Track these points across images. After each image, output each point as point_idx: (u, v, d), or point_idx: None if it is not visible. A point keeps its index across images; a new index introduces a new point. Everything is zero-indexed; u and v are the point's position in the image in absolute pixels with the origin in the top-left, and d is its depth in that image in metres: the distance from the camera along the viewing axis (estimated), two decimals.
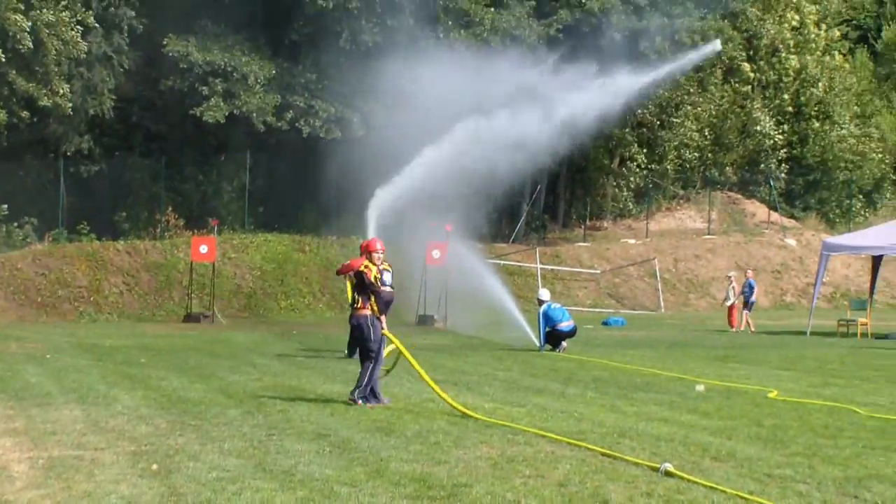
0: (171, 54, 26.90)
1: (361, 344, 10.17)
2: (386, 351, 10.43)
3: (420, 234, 23.13)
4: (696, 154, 38.91)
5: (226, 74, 27.25)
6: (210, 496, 6.13)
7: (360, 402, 9.85)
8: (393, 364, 10.88)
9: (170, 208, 28.80)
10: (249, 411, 9.46)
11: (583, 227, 35.80)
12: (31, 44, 23.34)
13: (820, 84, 40.49)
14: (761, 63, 39.99)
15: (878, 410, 10.12)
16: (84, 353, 15.42)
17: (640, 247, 33.74)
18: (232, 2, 28.15)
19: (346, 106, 28.27)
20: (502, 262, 29.68)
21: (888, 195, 42.94)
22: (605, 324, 25.14)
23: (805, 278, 33.11)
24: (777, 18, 37.90)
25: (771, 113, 39.75)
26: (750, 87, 40.03)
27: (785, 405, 10.49)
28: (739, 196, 39.85)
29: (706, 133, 38.96)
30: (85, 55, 25.26)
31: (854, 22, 49.38)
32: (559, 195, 36.30)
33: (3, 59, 23.41)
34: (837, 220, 39.91)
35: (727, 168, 39.82)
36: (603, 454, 7.54)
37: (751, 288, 23.42)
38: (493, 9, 30.17)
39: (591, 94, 24.09)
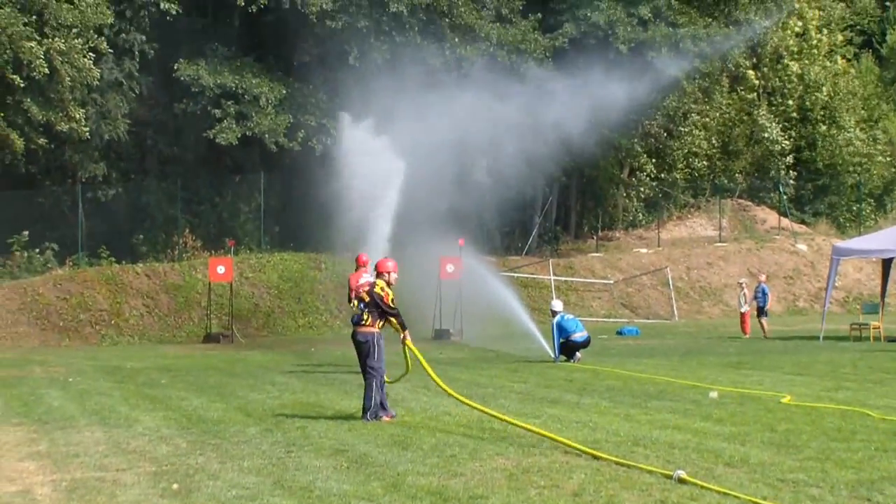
0: (182, 78, 27.29)
1: (364, 360, 10.14)
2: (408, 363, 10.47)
3: (433, 249, 23.29)
4: (704, 162, 38.96)
5: (237, 96, 27.59)
6: None
7: (373, 419, 9.96)
8: (401, 375, 10.97)
9: (187, 230, 29.07)
10: (268, 429, 9.59)
11: (595, 237, 35.86)
12: (46, 69, 23.60)
13: (824, 89, 40.54)
14: (765, 70, 40.11)
15: (890, 413, 10.14)
16: (106, 376, 15.62)
17: (652, 256, 33.77)
18: (241, 24, 28.56)
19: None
20: (516, 274, 29.79)
21: None
22: (619, 333, 25.18)
23: (817, 283, 33.02)
24: (780, 25, 37.99)
25: (778, 120, 39.83)
26: (755, 94, 40.15)
27: (798, 410, 10.53)
28: (749, 203, 39.83)
29: (714, 141, 39.05)
30: (98, 82, 25.59)
31: (858, 27, 49.38)
32: (571, 207, 36.41)
33: (21, 86, 23.71)
34: (848, 225, 39.79)
35: (736, 175, 39.85)
36: (617, 463, 7.64)
37: (763, 294, 23.41)
38: (499, 24, 30.42)
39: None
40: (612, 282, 31.93)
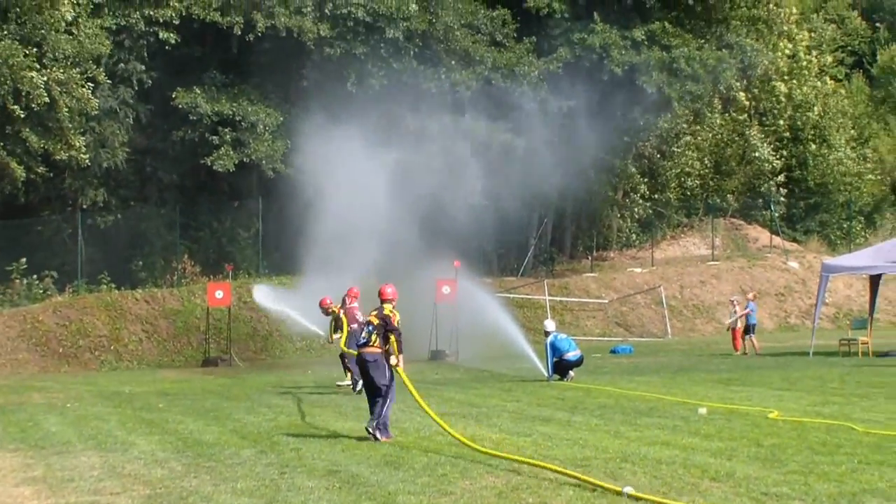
0: (180, 106, 27.61)
1: (373, 380, 10.40)
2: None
3: (429, 272, 23.51)
4: (697, 182, 39.33)
5: (234, 123, 27.89)
6: None
7: (376, 433, 10.11)
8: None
9: (186, 256, 29.25)
10: (263, 451, 9.70)
11: (590, 258, 36.08)
12: (47, 99, 23.85)
13: (815, 108, 41.00)
14: (756, 91, 40.58)
15: (874, 426, 10.29)
16: (104, 401, 15.72)
17: (646, 275, 33.99)
18: (240, 52, 28.92)
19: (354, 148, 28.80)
20: (512, 295, 29.97)
21: (888, 215, 43.14)
22: (613, 352, 25.32)
23: (808, 300, 33.21)
24: (771, 48, 38.48)
25: (769, 139, 40.25)
26: (747, 115, 40.60)
27: (785, 425, 10.69)
28: (742, 222, 40.13)
29: (707, 161, 39.41)
30: (96, 111, 25.86)
31: (849, 48, 49.97)
32: (566, 228, 36.68)
33: (21, 117, 23.95)
34: (839, 242, 40.08)
35: (728, 195, 40.18)
36: (565, 474, 7.86)
37: (752, 311, 23.60)
38: (493, 48, 30.81)
39: None
40: (606, 301, 32.12)
